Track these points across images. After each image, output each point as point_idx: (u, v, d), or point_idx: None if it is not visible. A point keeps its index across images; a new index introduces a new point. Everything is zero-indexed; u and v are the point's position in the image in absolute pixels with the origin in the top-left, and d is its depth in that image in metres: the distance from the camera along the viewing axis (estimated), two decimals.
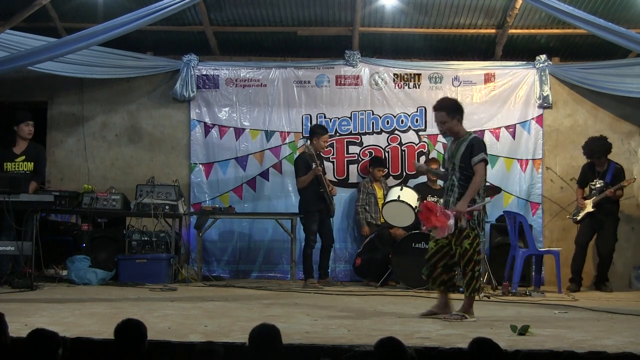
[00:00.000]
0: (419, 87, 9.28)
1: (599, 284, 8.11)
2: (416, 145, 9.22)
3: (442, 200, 5.61)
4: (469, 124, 9.11)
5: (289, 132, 9.26)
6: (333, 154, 9.19)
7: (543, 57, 9.14)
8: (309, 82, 9.31)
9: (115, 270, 7.85)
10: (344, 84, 9.30)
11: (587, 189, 8.34)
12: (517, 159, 9.18)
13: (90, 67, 8.76)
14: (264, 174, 9.25)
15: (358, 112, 9.27)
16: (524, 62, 9.28)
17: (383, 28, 9.17)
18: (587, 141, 8.30)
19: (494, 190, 8.49)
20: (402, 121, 9.23)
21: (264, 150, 9.26)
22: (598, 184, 8.15)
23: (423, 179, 8.90)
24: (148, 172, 9.02)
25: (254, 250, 9.17)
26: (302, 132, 9.21)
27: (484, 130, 9.18)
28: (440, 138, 9.18)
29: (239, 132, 9.29)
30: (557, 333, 4.57)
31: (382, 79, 9.30)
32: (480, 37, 9.31)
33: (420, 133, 9.24)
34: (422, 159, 9.15)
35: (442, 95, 9.16)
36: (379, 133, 9.22)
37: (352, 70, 9.30)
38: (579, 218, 8.22)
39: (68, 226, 8.74)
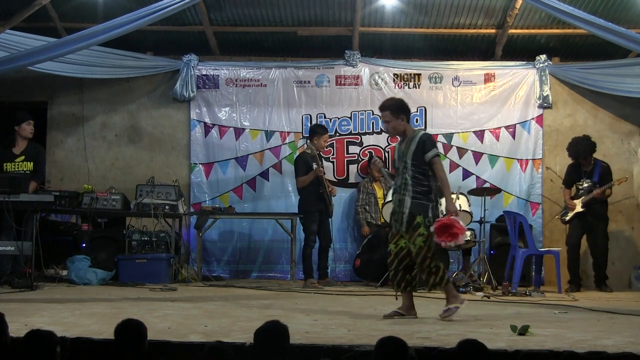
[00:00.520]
0: (419, 87, 9.29)
1: (599, 284, 8.10)
2: None
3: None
4: (469, 124, 9.23)
5: (289, 132, 9.26)
6: (333, 154, 9.19)
7: (543, 57, 9.14)
8: (309, 82, 9.31)
9: (115, 270, 7.85)
10: (344, 84, 9.31)
11: (573, 189, 8.28)
12: (517, 159, 9.18)
13: (90, 67, 8.77)
14: (264, 174, 9.25)
15: (358, 112, 9.27)
16: (524, 62, 9.28)
17: (383, 28, 9.17)
18: (571, 142, 8.23)
19: (494, 190, 8.50)
20: None
21: (264, 150, 9.26)
22: (585, 183, 8.07)
23: None
24: (148, 172, 9.02)
25: (254, 250, 9.17)
26: (302, 132, 9.21)
27: (484, 130, 9.20)
28: (440, 138, 9.20)
29: (239, 132, 9.29)
30: (557, 333, 4.57)
31: (382, 79, 9.30)
32: (480, 37, 9.31)
33: None
34: None
35: (442, 95, 9.24)
36: (379, 133, 9.22)
37: (352, 70, 9.30)
38: (567, 218, 8.18)
39: (68, 226, 8.74)
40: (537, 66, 9.16)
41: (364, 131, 9.24)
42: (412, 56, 9.49)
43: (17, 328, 3.86)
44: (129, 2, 8.31)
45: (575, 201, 8.10)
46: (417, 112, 9.24)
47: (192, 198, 9.21)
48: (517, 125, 9.21)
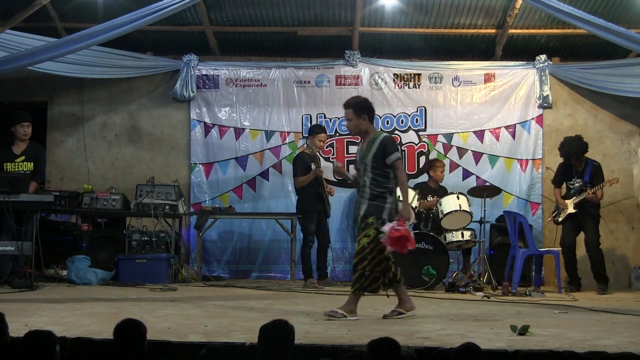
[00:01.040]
0: (419, 87, 9.28)
1: (597, 282, 8.00)
2: (416, 145, 9.22)
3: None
4: (469, 124, 9.23)
5: (289, 132, 9.26)
6: (333, 154, 9.19)
7: (543, 57, 9.14)
8: (309, 82, 9.31)
9: (115, 270, 7.85)
10: (344, 84, 9.30)
11: (564, 188, 8.25)
12: (517, 159, 9.18)
13: (90, 67, 8.77)
14: (264, 174, 9.25)
15: None
16: (524, 62, 9.28)
17: (383, 28, 9.17)
18: (562, 142, 8.17)
19: (494, 190, 8.50)
20: (402, 121, 9.24)
21: (264, 150, 9.26)
22: (577, 183, 8.00)
23: (423, 178, 8.91)
24: (148, 172, 9.02)
25: (253, 250, 9.17)
26: (302, 132, 9.21)
27: (484, 130, 9.20)
28: (440, 138, 9.21)
29: (239, 132, 9.29)
30: (557, 333, 4.57)
31: (382, 79, 9.30)
32: (480, 37, 9.31)
33: (420, 133, 9.24)
34: (422, 159, 9.16)
35: (442, 95, 9.24)
36: None
37: (352, 70, 9.30)
38: (560, 219, 8.15)
39: (68, 226, 8.74)
40: (537, 66, 9.16)
41: None
42: (412, 56, 9.49)
43: (17, 328, 3.86)
44: (129, 2, 8.31)
45: (567, 201, 8.06)
46: (417, 112, 9.24)
47: (192, 198, 9.21)
48: (517, 125, 9.20)
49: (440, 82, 9.27)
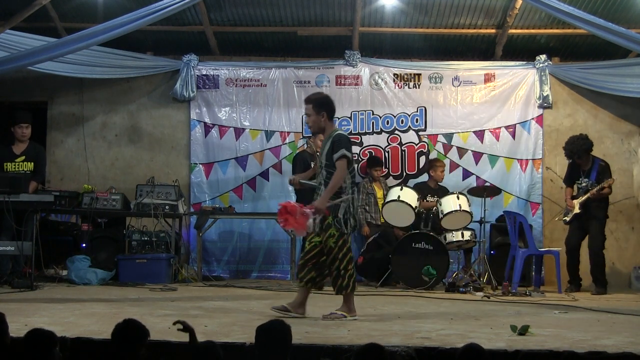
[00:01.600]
0: (419, 87, 9.28)
1: (597, 285, 7.98)
2: (416, 145, 9.22)
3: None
4: (469, 124, 9.23)
5: (288, 132, 9.26)
6: None
7: (543, 57, 9.14)
8: (309, 82, 9.31)
9: (115, 270, 7.85)
10: (344, 84, 9.30)
11: (575, 188, 8.25)
12: (517, 159, 9.18)
13: (90, 67, 8.77)
14: (264, 174, 9.25)
15: (358, 112, 9.27)
16: (524, 62, 9.28)
17: (383, 28, 9.17)
18: (567, 141, 8.14)
19: (494, 190, 8.51)
20: (402, 121, 9.24)
21: (264, 150, 9.26)
22: (584, 182, 7.98)
23: (423, 178, 8.92)
24: (148, 172, 9.02)
25: (253, 250, 9.17)
26: (302, 132, 9.20)
27: (484, 130, 9.20)
28: (440, 138, 9.21)
29: (239, 132, 9.29)
30: (557, 333, 4.57)
31: (382, 79, 9.30)
32: (480, 37, 9.31)
33: (420, 133, 9.24)
34: (422, 159, 9.16)
35: (442, 95, 9.24)
36: (379, 133, 9.22)
37: (352, 70, 9.30)
38: (568, 219, 8.13)
39: (68, 226, 8.74)
40: (537, 66, 9.16)
41: (364, 131, 9.24)
42: (412, 56, 9.49)
43: (17, 328, 3.86)
44: (129, 2, 8.31)
45: (574, 202, 8.05)
46: (417, 112, 9.24)
47: (192, 198, 9.21)
48: (517, 125, 9.20)
49: (440, 82, 9.27)
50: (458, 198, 7.92)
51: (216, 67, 9.36)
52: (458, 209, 7.85)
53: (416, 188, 8.26)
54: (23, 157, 7.69)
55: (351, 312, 5.22)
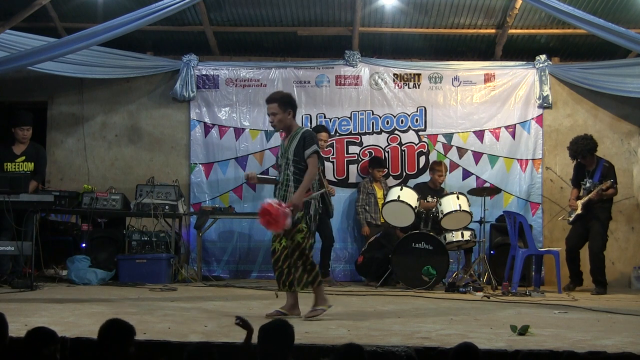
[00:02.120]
0: (419, 87, 9.28)
1: (597, 285, 7.97)
2: (416, 145, 9.22)
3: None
4: (469, 124, 9.23)
5: None
6: (333, 154, 9.19)
7: (543, 57, 9.14)
8: (308, 82, 9.31)
9: (115, 270, 7.85)
10: (344, 84, 9.31)
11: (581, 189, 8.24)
12: (517, 159, 9.18)
13: (90, 67, 8.77)
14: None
15: (358, 112, 9.27)
16: (524, 62, 9.28)
17: (383, 28, 9.17)
18: (571, 141, 8.13)
19: (494, 190, 8.51)
20: (402, 121, 9.24)
21: (264, 150, 9.26)
22: (588, 183, 7.98)
23: (423, 179, 8.92)
24: (148, 172, 9.03)
25: (253, 250, 9.17)
26: None
27: (484, 130, 9.20)
28: (440, 138, 9.21)
29: (238, 132, 9.29)
30: (557, 333, 4.57)
31: (382, 79, 9.30)
32: (480, 37, 9.31)
33: (420, 133, 9.24)
34: (422, 159, 9.16)
35: (442, 95, 9.24)
36: (379, 133, 9.23)
37: (352, 70, 9.30)
38: (571, 219, 8.12)
39: (68, 226, 8.74)
40: (537, 66, 9.16)
41: (363, 131, 9.25)
42: (412, 56, 9.49)
43: (17, 328, 3.86)
44: (129, 2, 8.31)
45: (578, 202, 8.05)
46: (417, 112, 9.25)
47: (192, 198, 9.21)
48: (517, 125, 9.21)
49: (440, 82, 9.27)
50: (458, 198, 7.93)
51: (216, 67, 9.36)
52: (458, 209, 7.86)
53: (416, 188, 8.26)
54: (23, 157, 7.69)
55: (326, 302, 5.26)
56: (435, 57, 9.46)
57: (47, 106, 9.47)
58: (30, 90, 9.35)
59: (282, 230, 5.13)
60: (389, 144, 9.21)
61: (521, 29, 9.06)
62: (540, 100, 9.14)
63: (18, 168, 7.64)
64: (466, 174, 9.17)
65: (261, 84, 9.30)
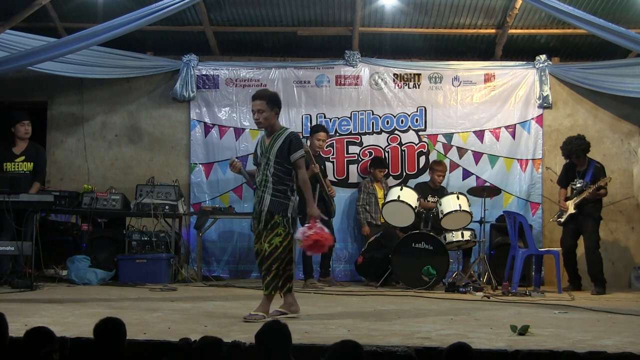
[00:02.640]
0: (419, 87, 9.28)
1: (596, 285, 7.95)
2: (416, 145, 9.22)
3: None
4: (469, 123, 9.23)
5: None
6: (333, 154, 9.19)
7: (543, 57, 9.14)
8: (308, 82, 9.31)
9: (115, 270, 7.85)
10: (344, 84, 9.31)
11: (569, 189, 8.24)
12: (517, 159, 9.18)
13: (90, 67, 8.77)
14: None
15: (358, 112, 9.27)
16: (524, 62, 9.28)
17: (383, 28, 9.17)
18: (565, 141, 8.15)
19: (494, 190, 8.50)
20: (402, 121, 9.24)
21: None
22: (578, 183, 7.98)
23: (423, 179, 8.92)
24: (148, 172, 9.03)
25: (253, 250, 9.13)
26: (302, 132, 9.19)
27: (484, 130, 9.20)
28: (440, 138, 9.21)
29: (239, 132, 9.29)
30: (557, 333, 4.57)
31: (382, 79, 9.30)
32: (480, 37, 9.31)
33: (420, 133, 9.24)
34: (422, 159, 9.16)
35: (442, 95, 9.24)
36: (379, 133, 9.23)
37: (352, 70, 9.30)
38: (562, 220, 8.12)
39: (68, 226, 8.73)
40: (537, 66, 9.16)
41: (363, 131, 9.25)
42: (412, 56, 9.49)
43: (17, 328, 3.86)
44: (129, 2, 8.31)
45: (568, 202, 8.05)
46: (417, 112, 9.25)
47: (192, 198, 9.21)
48: (517, 125, 9.21)
49: (440, 82, 9.27)
50: (458, 198, 7.93)
51: (216, 67, 9.36)
52: (458, 209, 7.86)
53: (416, 188, 8.26)
54: (23, 157, 7.69)
55: (290, 307, 5.26)
56: (435, 57, 9.46)
57: (47, 106, 9.47)
58: (30, 90, 9.35)
59: (332, 243, 5.35)
60: (389, 144, 9.21)
61: (521, 29, 9.07)
62: (540, 100, 9.14)
63: (17, 168, 7.64)
64: (466, 174, 9.17)
65: (261, 84, 9.29)
